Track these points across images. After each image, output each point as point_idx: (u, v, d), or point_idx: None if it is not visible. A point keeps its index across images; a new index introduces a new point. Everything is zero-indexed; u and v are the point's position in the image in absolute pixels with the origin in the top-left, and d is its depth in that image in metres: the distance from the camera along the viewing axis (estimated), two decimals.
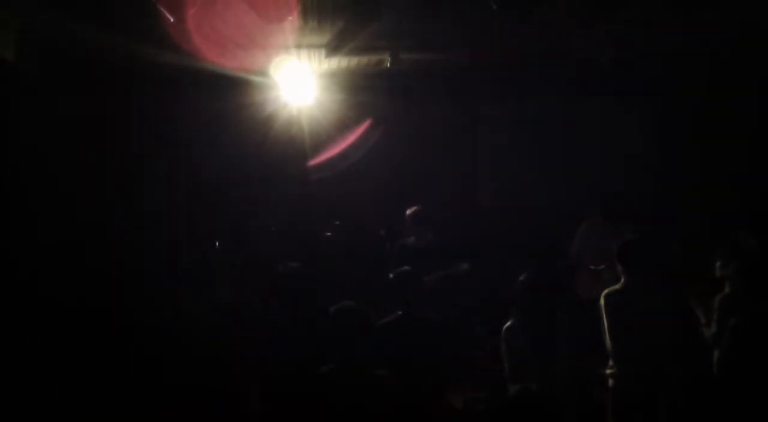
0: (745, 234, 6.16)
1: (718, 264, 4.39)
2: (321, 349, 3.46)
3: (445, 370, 3.95)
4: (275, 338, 4.31)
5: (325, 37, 6.06)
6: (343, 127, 7.66)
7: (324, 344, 3.42)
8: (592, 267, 6.30)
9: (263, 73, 6.61)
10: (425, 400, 3.77)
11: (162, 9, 4.79)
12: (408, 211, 6.23)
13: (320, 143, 7.73)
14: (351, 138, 7.79)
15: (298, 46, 6.28)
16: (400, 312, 4.04)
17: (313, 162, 7.82)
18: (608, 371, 4.49)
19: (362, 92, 7.41)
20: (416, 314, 4.02)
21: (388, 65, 6.65)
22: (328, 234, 7.24)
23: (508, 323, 4.07)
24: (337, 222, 6.78)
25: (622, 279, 4.41)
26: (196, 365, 4.22)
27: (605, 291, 4.50)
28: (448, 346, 4.03)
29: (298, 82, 6.65)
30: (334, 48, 6.29)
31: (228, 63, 6.28)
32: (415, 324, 3.97)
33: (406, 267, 4.22)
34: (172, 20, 4.87)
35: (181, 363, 4.28)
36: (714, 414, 2.74)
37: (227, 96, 7.13)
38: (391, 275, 4.24)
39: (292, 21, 4.80)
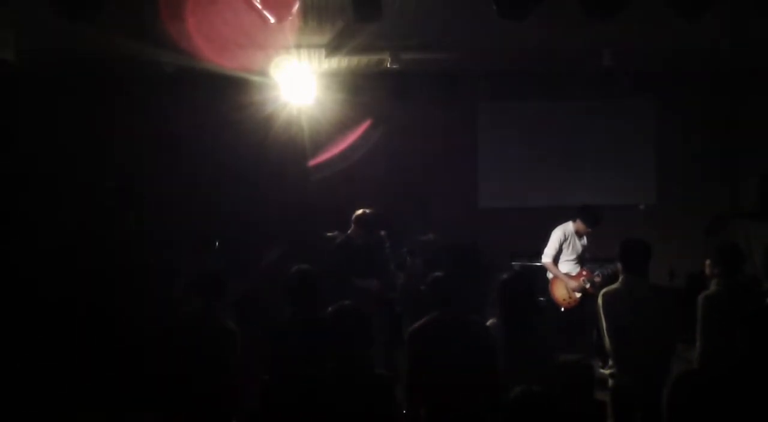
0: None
1: (707, 262, 4.39)
2: (321, 349, 3.46)
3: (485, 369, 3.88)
4: (278, 339, 4.31)
5: (325, 37, 6.06)
6: (343, 127, 7.66)
7: (323, 344, 3.42)
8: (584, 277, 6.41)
9: (263, 73, 6.61)
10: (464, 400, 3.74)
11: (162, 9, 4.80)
12: (357, 213, 6.20)
13: (320, 143, 7.74)
14: (351, 138, 7.79)
15: (298, 46, 6.29)
16: (435, 314, 3.97)
17: (313, 162, 7.83)
18: (608, 371, 4.49)
19: (362, 92, 7.41)
20: (457, 315, 3.95)
21: (388, 65, 6.66)
22: (328, 234, 7.24)
23: (491, 321, 4.07)
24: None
25: (621, 278, 4.41)
26: (196, 366, 4.22)
27: (603, 291, 4.49)
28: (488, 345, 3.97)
29: (298, 82, 6.65)
30: (334, 48, 6.29)
31: (228, 63, 6.29)
32: (455, 325, 3.92)
33: (440, 274, 4.13)
34: (172, 20, 4.88)
35: (181, 364, 4.28)
36: (705, 411, 2.74)
37: (227, 96, 7.14)
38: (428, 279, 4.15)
39: (292, 21, 4.79)
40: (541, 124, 8.40)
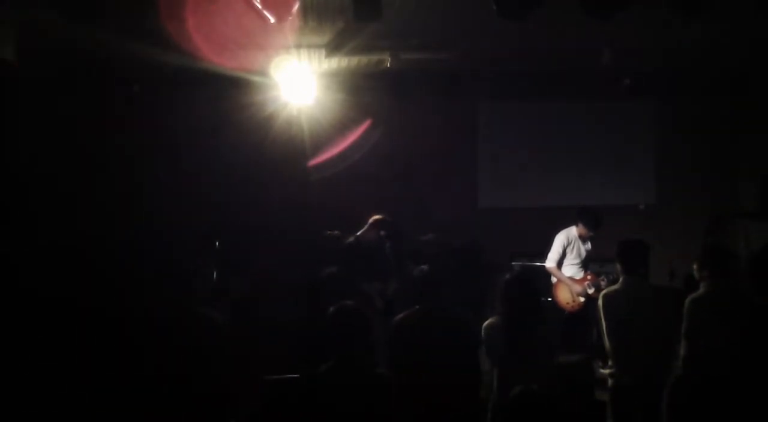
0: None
1: (695, 266, 4.39)
2: (321, 349, 3.46)
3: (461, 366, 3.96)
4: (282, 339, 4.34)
5: (325, 37, 6.06)
6: (343, 127, 7.65)
7: (324, 344, 3.43)
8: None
9: (263, 73, 6.61)
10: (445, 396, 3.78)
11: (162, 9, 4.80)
12: (374, 217, 6.20)
13: (320, 143, 7.73)
14: (351, 138, 7.79)
15: (298, 46, 6.29)
16: (417, 307, 4.08)
17: (313, 162, 7.82)
18: (608, 371, 4.50)
19: (362, 92, 7.40)
20: (438, 310, 4.06)
21: (388, 65, 6.65)
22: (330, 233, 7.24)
23: (489, 320, 4.09)
24: None
25: (621, 279, 4.42)
26: (196, 366, 4.22)
27: (603, 291, 4.51)
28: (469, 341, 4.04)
29: (298, 82, 6.64)
30: (334, 48, 6.29)
31: (228, 63, 6.28)
32: (435, 320, 4.00)
33: (424, 268, 4.22)
34: (172, 20, 4.88)
35: (180, 364, 4.28)
36: (704, 410, 2.75)
37: (227, 96, 7.13)
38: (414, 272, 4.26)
39: (292, 21, 4.80)
40: (541, 124, 8.40)
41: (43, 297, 6.18)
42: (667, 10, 4.53)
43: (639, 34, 5.90)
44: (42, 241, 6.33)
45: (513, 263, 7.66)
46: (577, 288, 6.42)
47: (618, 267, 4.45)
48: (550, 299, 6.53)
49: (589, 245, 6.52)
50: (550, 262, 6.51)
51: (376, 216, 6.15)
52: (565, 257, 6.51)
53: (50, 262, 6.40)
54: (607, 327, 4.41)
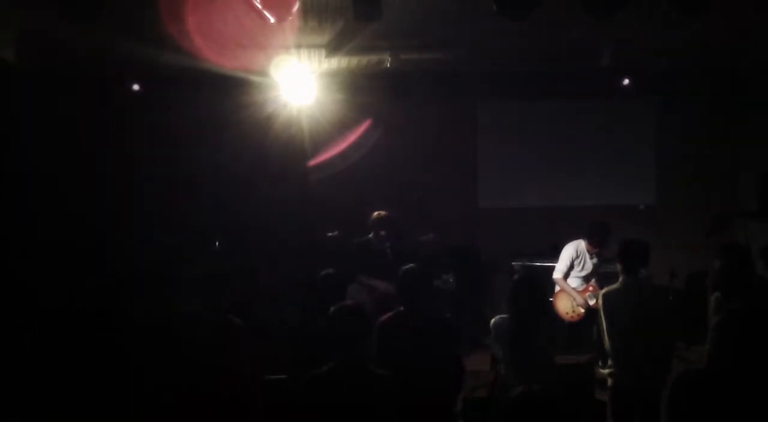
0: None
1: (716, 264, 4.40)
2: (321, 349, 3.46)
3: (447, 368, 3.98)
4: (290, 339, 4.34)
5: (325, 37, 6.06)
6: (343, 127, 7.65)
7: (324, 343, 3.43)
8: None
9: (263, 73, 6.61)
10: (426, 398, 3.80)
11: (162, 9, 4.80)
12: (374, 214, 6.18)
13: (320, 143, 7.73)
14: (351, 138, 7.79)
15: (298, 46, 6.28)
16: (401, 308, 4.08)
17: (313, 162, 7.82)
18: (608, 371, 4.50)
19: (362, 92, 7.40)
20: (422, 311, 4.06)
21: (388, 65, 6.65)
22: (329, 234, 7.25)
23: (497, 318, 4.11)
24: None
25: (621, 279, 4.42)
26: (196, 366, 4.22)
27: (604, 291, 4.51)
28: (451, 344, 4.06)
29: (298, 82, 6.64)
30: (334, 48, 6.29)
31: (228, 63, 6.28)
32: (419, 321, 4.00)
33: (413, 265, 4.23)
34: (172, 20, 4.88)
35: (181, 365, 4.28)
36: (705, 410, 2.75)
37: (227, 96, 7.14)
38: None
39: (292, 21, 4.79)
40: (541, 124, 8.39)
41: (46, 298, 6.19)
42: (667, 9, 4.52)
43: (639, 33, 5.89)
44: (43, 241, 6.34)
45: (513, 263, 7.66)
46: (580, 299, 6.40)
47: (618, 266, 4.45)
48: (551, 299, 6.52)
49: (596, 259, 6.46)
50: (557, 273, 6.47)
51: (377, 213, 6.12)
52: (572, 269, 6.47)
53: (50, 262, 6.40)
54: (607, 327, 4.41)
